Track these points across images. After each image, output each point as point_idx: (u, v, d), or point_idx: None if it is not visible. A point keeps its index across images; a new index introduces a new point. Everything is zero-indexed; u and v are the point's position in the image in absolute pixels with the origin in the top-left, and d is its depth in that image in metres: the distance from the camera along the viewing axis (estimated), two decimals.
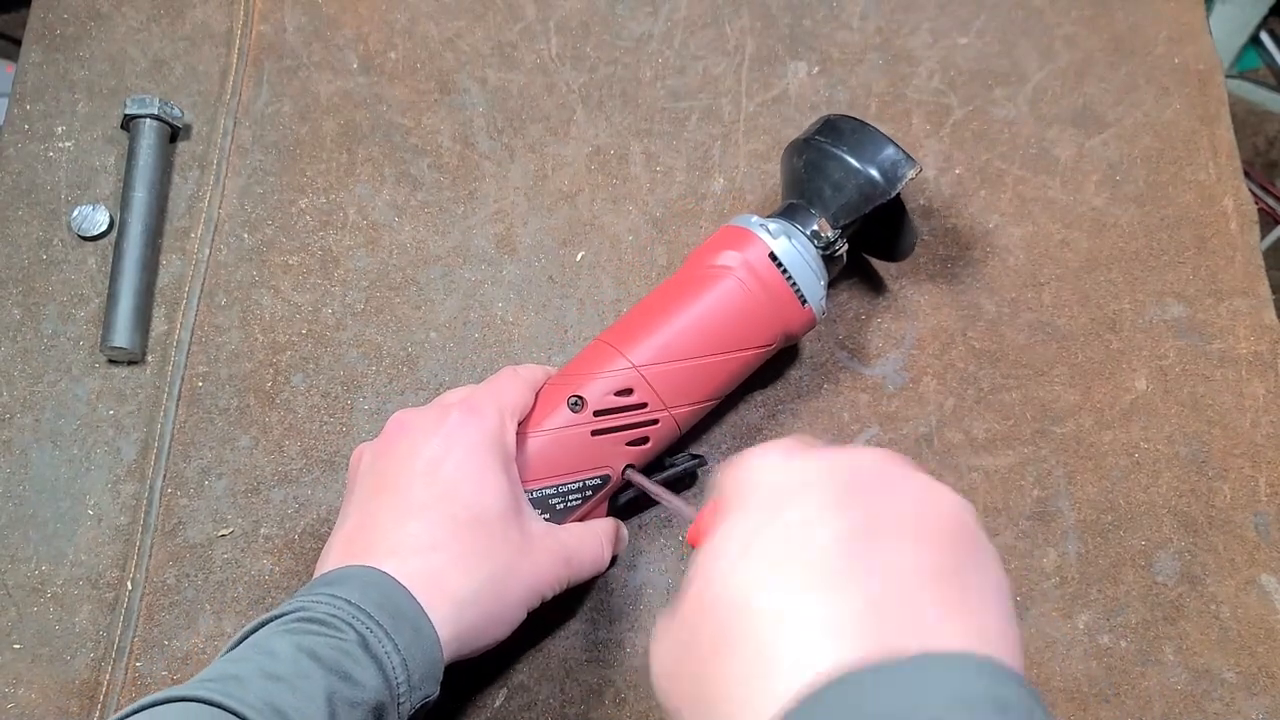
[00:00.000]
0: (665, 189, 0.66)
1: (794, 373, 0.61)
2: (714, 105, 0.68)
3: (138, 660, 0.55)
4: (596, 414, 0.52)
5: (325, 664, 0.41)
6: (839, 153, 0.55)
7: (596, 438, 0.52)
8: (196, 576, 0.56)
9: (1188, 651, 0.56)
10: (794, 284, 0.54)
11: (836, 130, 0.56)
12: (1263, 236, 0.66)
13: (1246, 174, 0.68)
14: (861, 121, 0.56)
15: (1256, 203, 0.67)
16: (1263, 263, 0.65)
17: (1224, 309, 0.63)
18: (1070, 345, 0.62)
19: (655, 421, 0.53)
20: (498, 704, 0.54)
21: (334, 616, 0.43)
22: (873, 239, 0.61)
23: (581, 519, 0.53)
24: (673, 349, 0.53)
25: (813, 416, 0.61)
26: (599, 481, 0.52)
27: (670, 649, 0.36)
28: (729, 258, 0.54)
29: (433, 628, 0.45)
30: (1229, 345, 0.62)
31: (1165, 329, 0.63)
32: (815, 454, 0.37)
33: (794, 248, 0.54)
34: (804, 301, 0.54)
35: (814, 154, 0.57)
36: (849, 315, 0.63)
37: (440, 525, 0.47)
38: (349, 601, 0.44)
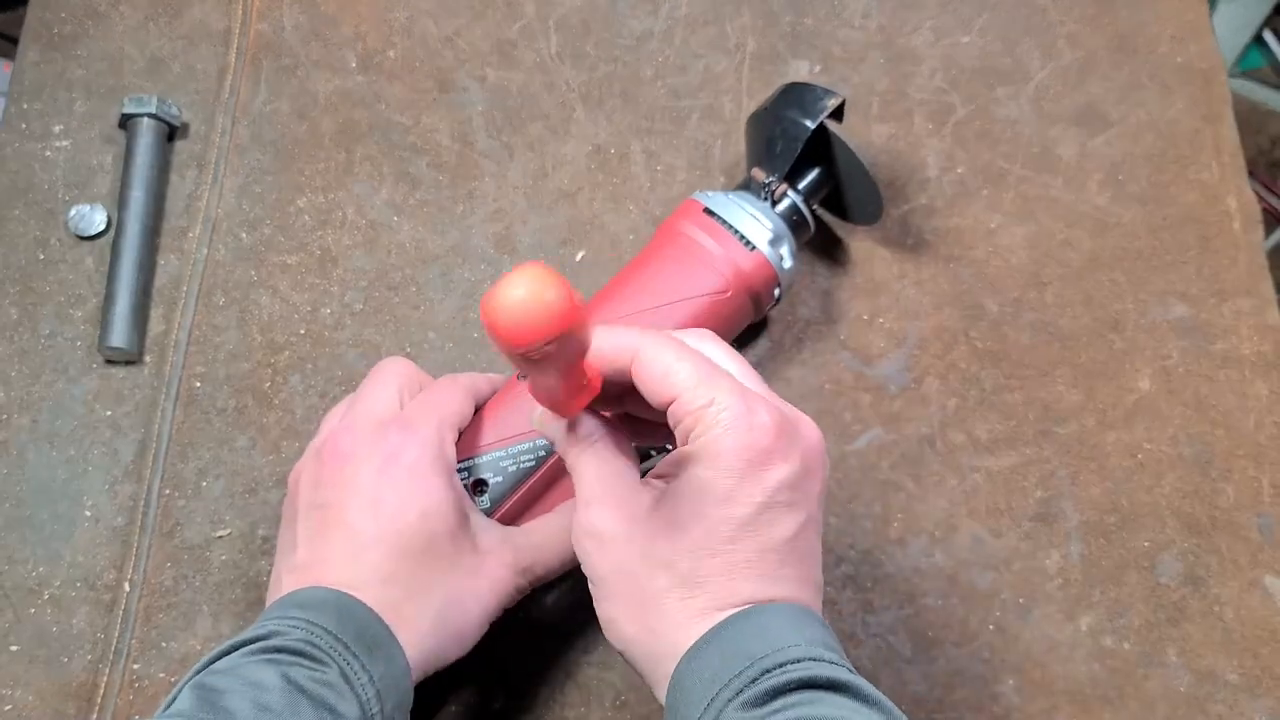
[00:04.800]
0: (666, 188, 0.65)
1: (795, 373, 0.61)
2: (715, 104, 0.67)
3: (135, 662, 0.54)
4: None
5: (312, 697, 0.40)
6: (769, 109, 0.58)
7: None
8: (194, 578, 0.56)
9: (1191, 653, 0.56)
10: (732, 228, 0.55)
11: (772, 96, 0.59)
12: (1266, 236, 0.66)
13: (1250, 173, 0.68)
14: (794, 82, 0.59)
15: (1260, 202, 0.66)
16: (1266, 263, 0.65)
17: (1227, 309, 0.63)
18: (1073, 345, 0.62)
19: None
20: (496, 706, 0.54)
21: (314, 647, 0.42)
22: (840, 202, 0.62)
23: (547, 487, 0.53)
24: (617, 307, 0.54)
25: (814, 417, 0.59)
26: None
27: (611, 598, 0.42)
28: (674, 224, 0.56)
29: (404, 657, 0.44)
30: (1232, 346, 0.62)
31: (1168, 329, 0.62)
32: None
33: (730, 199, 0.56)
34: (750, 245, 0.55)
35: (753, 125, 0.60)
36: (851, 315, 0.62)
37: (390, 558, 0.46)
38: (326, 630, 0.43)
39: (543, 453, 0.52)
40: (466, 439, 0.52)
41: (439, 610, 0.47)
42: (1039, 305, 0.63)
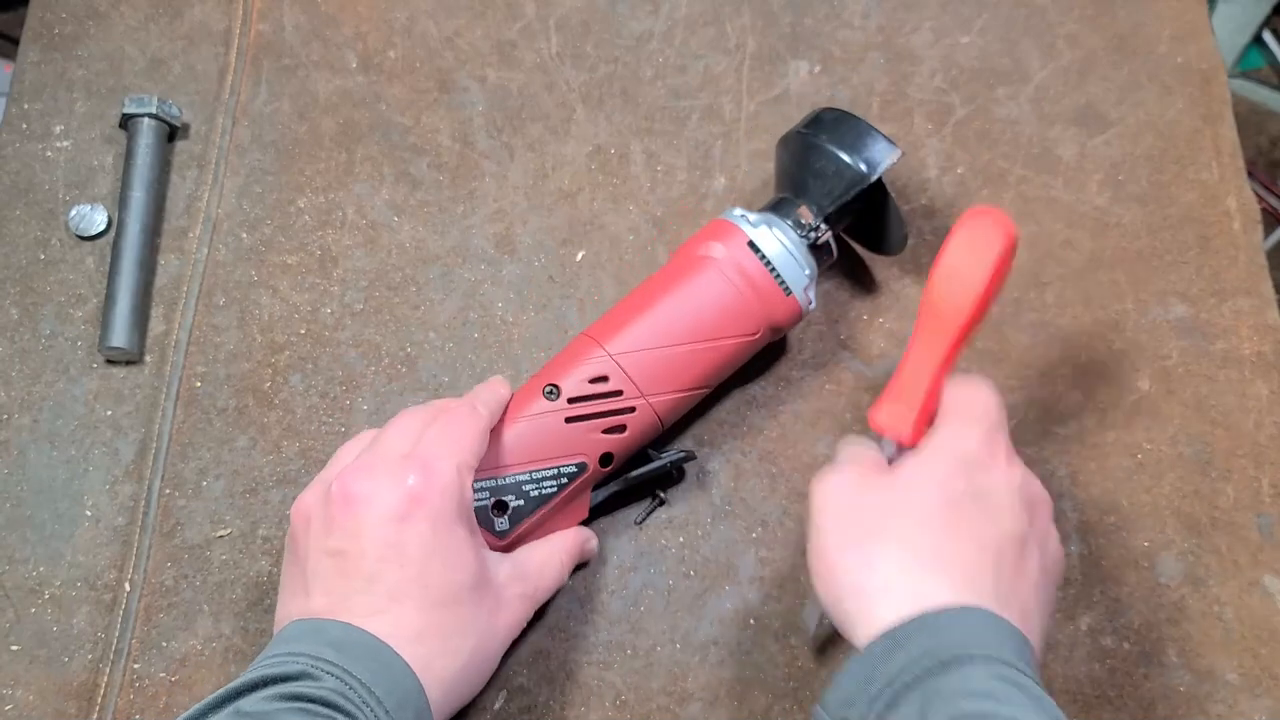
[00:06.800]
0: (666, 188, 0.65)
1: (795, 373, 0.61)
2: (715, 104, 0.67)
3: (136, 662, 0.54)
4: (571, 401, 0.52)
5: None
6: (821, 142, 0.56)
7: (571, 425, 0.52)
8: (195, 578, 0.56)
9: (1191, 653, 0.56)
10: (775, 272, 0.54)
11: (820, 121, 0.57)
12: (1265, 236, 0.66)
13: (1249, 174, 0.68)
14: (846, 112, 0.57)
15: (1259, 203, 0.66)
16: (1266, 263, 0.65)
17: (1227, 309, 0.63)
18: (1073, 345, 0.62)
19: (632, 409, 0.53)
20: (497, 706, 0.54)
21: (345, 699, 0.41)
22: (865, 232, 0.61)
23: (560, 509, 0.53)
24: (649, 337, 0.53)
25: (815, 417, 0.60)
26: (574, 469, 0.52)
27: (842, 540, 0.46)
28: (711, 249, 0.55)
29: (430, 712, 0.44)
30: (1232, 346, 0.62)
31: (1168, 329, 0.62)
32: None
33: (775, 236, 0.55)
34: (788, 291, 0.54)
35: (799, 146, 0.57)
36: (851, 315, 0.62)
37: (419, 613, 0.45)
38: (361, 682, 0.42)
39: (565, 480, 0.52)
40: (489, 456, 0.51)
41: (466, 660, 0.46)
42: (1039, 305, 0.63)
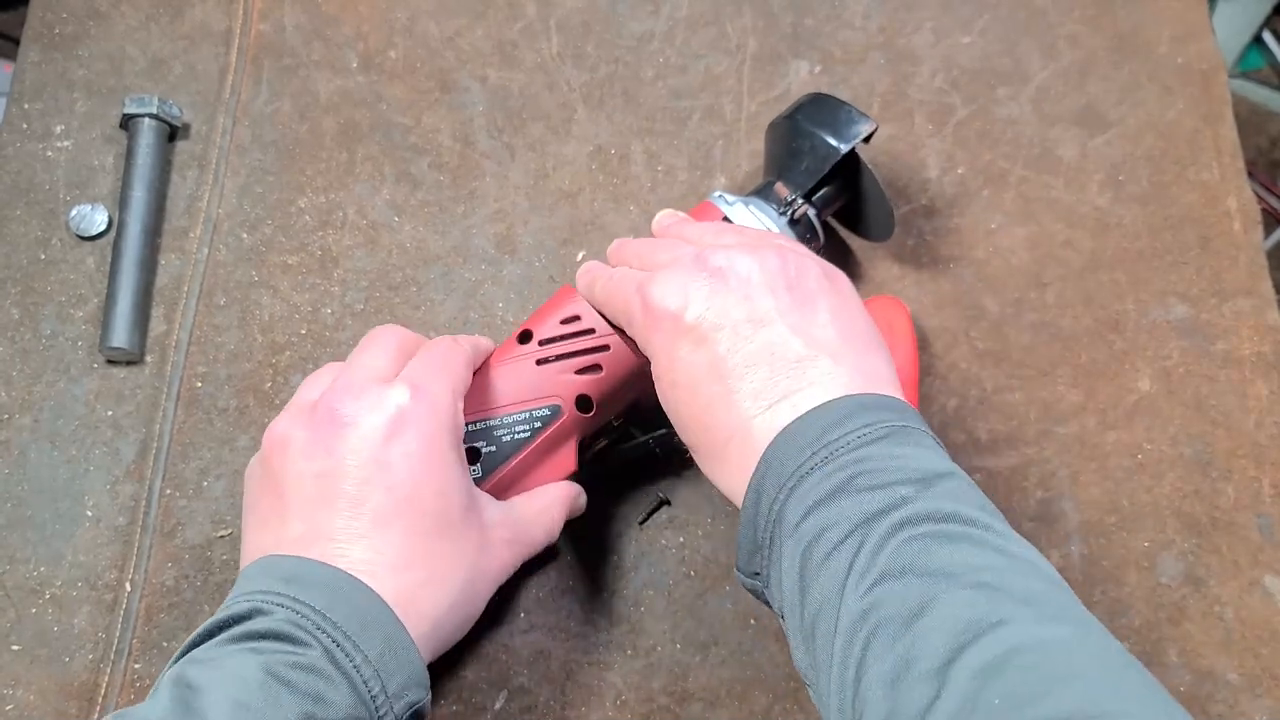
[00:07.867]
0: (667, 188, 0.65)
1: None
2: (716, 104, 0.67)
3: (136, 661, 0.54)
4: (542, 343, 0.51)
5: (295, 688, 0.39)
6: (798, 121, 0.58)
7: (542, 366, 0.51)
8: (195, 578, 0.56)
9: (1191, 653, 0.56)
10: None
11: (799, 104, 0.59)
12: (1266, 237, 0.66)
13: (1250, 174, 0.68)
14: (825, 94, 0.58)
15: (1260, 203, 0.66)
16: (1266, 263, 0.65)
17: (1227, 309, 0.63)
18: (1074, 345, 0.62)
19: (606, 348, 0.51)
20: (497, 706, 0.54)
21: (297, 627, 0.40)
22: (853, 217, 0.62)
23: (540, 459, 0.52)
24: None
25: None
26: (548, 412, 0.51)
27: (694, 367, 0.44)
28: None
29: (406, 633, 0.42)
30: (1232, 346, 0.62)
31: (1169, 329, 0.62)
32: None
33: (751, 213, 0.56)
34: None
35: (780, 130, 0.59)
36: None
37: (408, 540, 0.43)
38: (313, 609, 0.40)
39: (539, 424, 0.51)
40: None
41: (455, 594, 0.45)
42: (1040, 306, 0.63)
